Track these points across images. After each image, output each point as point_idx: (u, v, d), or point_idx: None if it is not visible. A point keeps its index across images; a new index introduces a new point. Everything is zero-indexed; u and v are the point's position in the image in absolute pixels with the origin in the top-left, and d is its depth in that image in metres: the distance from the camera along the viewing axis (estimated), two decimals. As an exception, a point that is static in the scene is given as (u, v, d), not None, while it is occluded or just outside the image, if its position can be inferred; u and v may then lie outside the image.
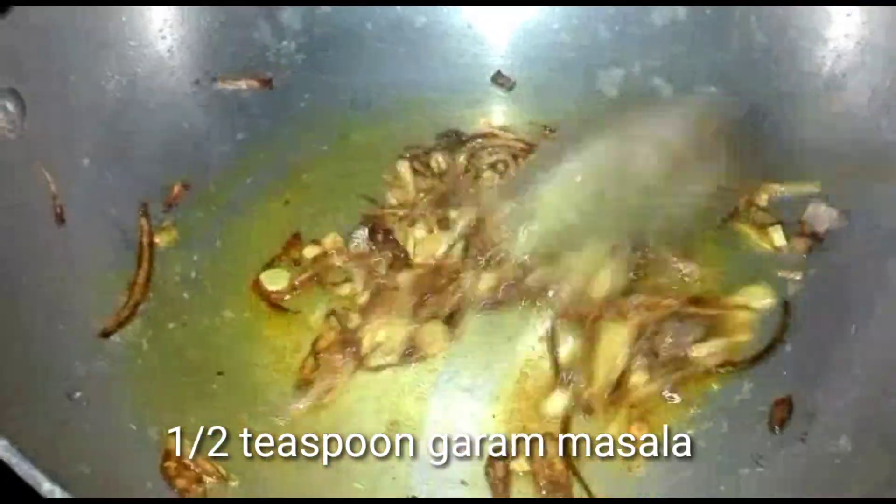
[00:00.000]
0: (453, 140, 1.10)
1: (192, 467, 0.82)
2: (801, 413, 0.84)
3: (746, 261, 0.97)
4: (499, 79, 1.16)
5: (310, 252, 1.00)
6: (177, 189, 1.03)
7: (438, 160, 1.07)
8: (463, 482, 0.83)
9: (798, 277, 0.95)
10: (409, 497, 0.83)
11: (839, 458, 0.80)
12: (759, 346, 0.90)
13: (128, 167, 1.01)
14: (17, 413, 0.69)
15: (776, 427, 0.84)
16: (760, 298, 0.93)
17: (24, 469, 0.60)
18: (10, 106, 0.89)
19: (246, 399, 0.89)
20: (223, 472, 0.82)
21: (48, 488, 0.59)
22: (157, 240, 0.99)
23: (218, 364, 0.92)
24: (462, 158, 1.08)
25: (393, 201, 1.04)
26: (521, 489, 0.83)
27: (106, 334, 0.90)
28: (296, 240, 1.01)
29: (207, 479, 0.82)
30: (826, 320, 0.90)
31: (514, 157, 1.08)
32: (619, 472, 0.83)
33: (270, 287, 0.97)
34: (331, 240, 1.01)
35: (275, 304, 0.96)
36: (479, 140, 1.10)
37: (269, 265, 0.99)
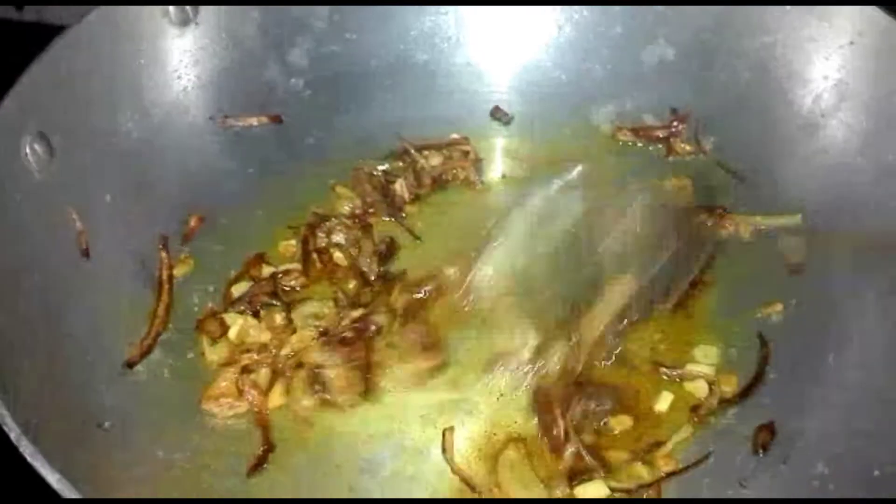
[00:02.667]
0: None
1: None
2: (783, 438, 0.90)
3: (727, 292, 1.03)
4: (497, 113, 1.22)
5: (266, 270, 1.05)
6: (193, 222, 1.08)
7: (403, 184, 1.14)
8: None
9: (779, 308, 1.00)
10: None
11: (817, 480, 0.86)
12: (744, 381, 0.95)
13: (147, 202, 1.06)
14: (62, 445, 0.74)
15: (760, 450, 0.89)
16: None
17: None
18: (38, 148, 0.94)
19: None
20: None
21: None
22: (175, 271, 1.04)
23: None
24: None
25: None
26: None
27: (130, 364, 0.95)
28: (258, 259, 1.07)
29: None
30: (806, 350, 0.96)
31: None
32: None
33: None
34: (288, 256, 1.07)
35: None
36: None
37: (235, 280, 1.04)
